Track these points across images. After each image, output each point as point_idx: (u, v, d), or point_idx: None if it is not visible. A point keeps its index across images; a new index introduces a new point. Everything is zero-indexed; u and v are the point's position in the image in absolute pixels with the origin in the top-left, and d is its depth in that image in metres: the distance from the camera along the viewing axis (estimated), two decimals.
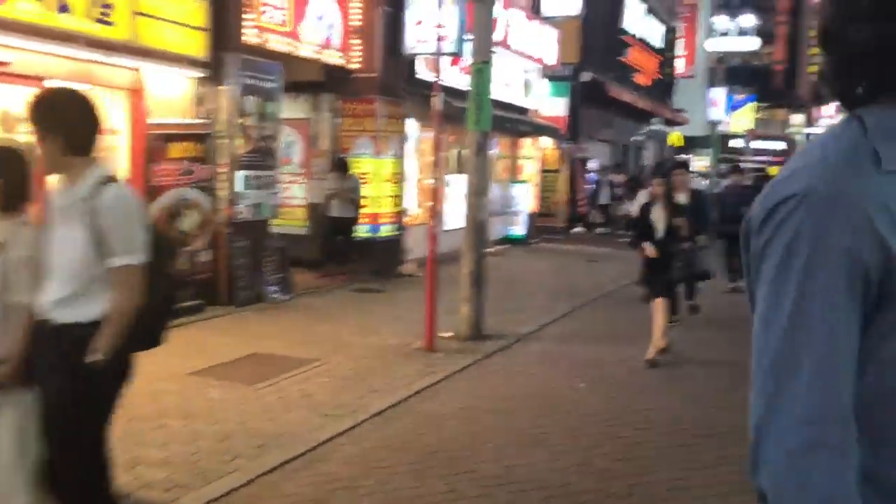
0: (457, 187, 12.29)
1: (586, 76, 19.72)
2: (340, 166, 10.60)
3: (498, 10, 14.32)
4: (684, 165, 10.06)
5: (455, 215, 11.22)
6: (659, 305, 6.84)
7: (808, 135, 62.10)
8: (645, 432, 5.06)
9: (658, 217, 6.94)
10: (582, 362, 6.88)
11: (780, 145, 51.61)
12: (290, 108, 10.52)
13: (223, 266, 8.54)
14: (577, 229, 19.63)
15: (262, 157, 9.04)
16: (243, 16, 8.85)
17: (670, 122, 30.60)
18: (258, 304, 8.73)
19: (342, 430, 4.82)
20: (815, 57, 55.24)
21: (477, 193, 7.73)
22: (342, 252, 10.67)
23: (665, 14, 28.72)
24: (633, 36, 24.40)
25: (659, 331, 6.81)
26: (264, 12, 9.20)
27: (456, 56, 11.58)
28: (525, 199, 16.53)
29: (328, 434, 4.74)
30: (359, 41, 11.01)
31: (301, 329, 7.74)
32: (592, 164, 21.62)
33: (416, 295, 8.33)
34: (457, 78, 12.46)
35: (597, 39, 21.47)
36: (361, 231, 10.96)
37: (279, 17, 9.51)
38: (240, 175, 8.70)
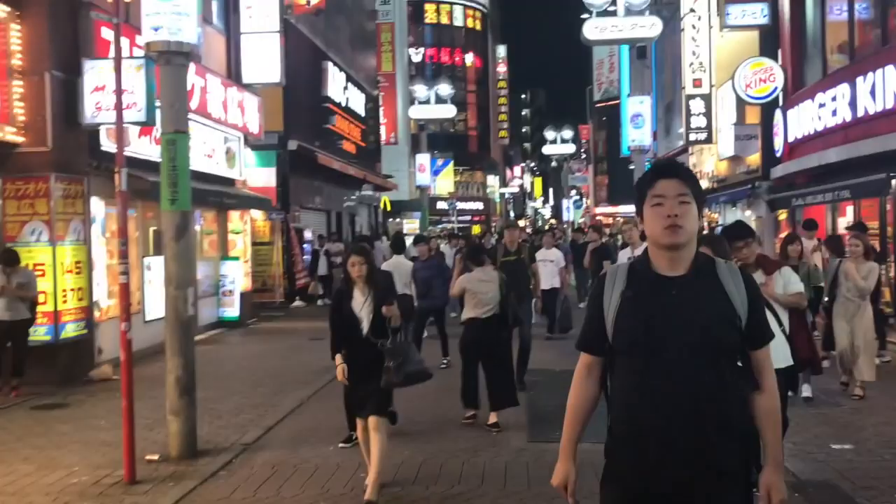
0: (158, 271, 10.83)
1: (293, 145, 19.10)
2: (7, 259, 8.78)
3: (193, 76, 13.23)
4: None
5: (160, 302, 9.78)
6: (370, 428, 5.24)
7: (502, 194, 67.39)
8: None
9: (360, 305, 5.35)
10: (323, 473, 5.94)
11: (479, 205, 55.38)
12: None
13: None
14: (297, 303, 18.71)
15: None
16: None
17: (380, 188, 31.00)
18: None
19: None
20: (504, 123, 60.39)
21: (179, 286, 6.51)
22: (15, 362, 8.79)
23: (366, 83, 29.21)
24: (338, 104, 24.35)
25: (375, 469, 5.13)
26: None
27: (146, 126, 10.27)
28: (237, 276, 15.29)
29: None
30: (22, 110, 9.33)
31: None
32: (307, 234, 20.91)
33: (114, 405, 6.92)
34: (150, 149, 11.13)
35: (302, 107, 21.02)
36: (39, 334, 9.15)
37: None
38: None
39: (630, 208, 35.93)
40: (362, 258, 5.39)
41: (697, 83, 19.89)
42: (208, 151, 14.05)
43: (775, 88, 15.11)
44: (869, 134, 10.80)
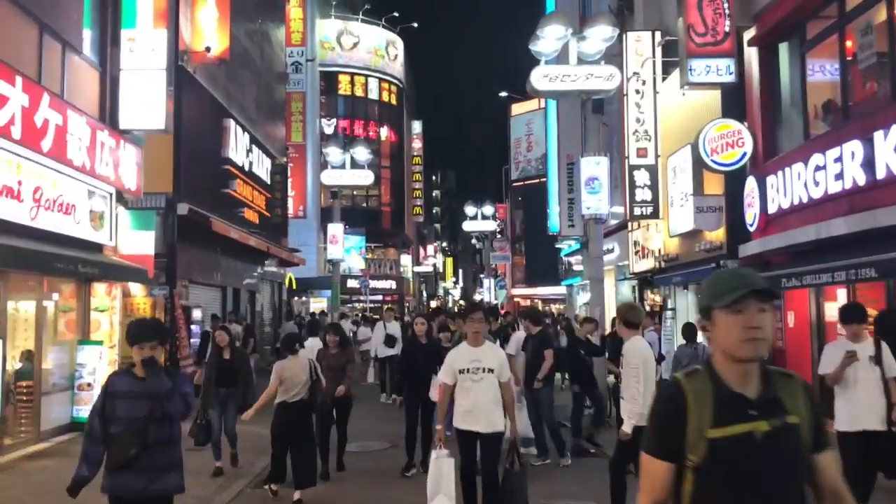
0: None
1: (183, 208, 16.17)
2: None
3: (47, 109, 10.33)
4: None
5: None
6: None
7: (415, 273, 65.01)
8: None
9: None
10: None
11: (392, 284, 52.80)
12: None
13: None
14: None
15: None
16: None
17: (285, 263, 28.07)
18: None
19: None
20: (418, 199, 58.51)
21: None
22: None
23: (272, 148, 26.59)
24: (241, 168, 21.58)
25: None
26: None
27: None
28: (99, 365, 12.07)
29: None
30: None
31: None
32: (197, 314, 17.77)
33: None
34: None
35: (197, 168, 18.17)
36: None
37: None
38: None
39: (549, 290, 33.66)
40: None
41: (642, 153, 18.11)
42: (65, 207, 11.04)
43: (744, 154, 13.29)
44: (887, 202, 8.87)
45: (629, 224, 19.97)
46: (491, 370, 6.26)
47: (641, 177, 18.03)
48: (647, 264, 19.28)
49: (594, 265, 12.91)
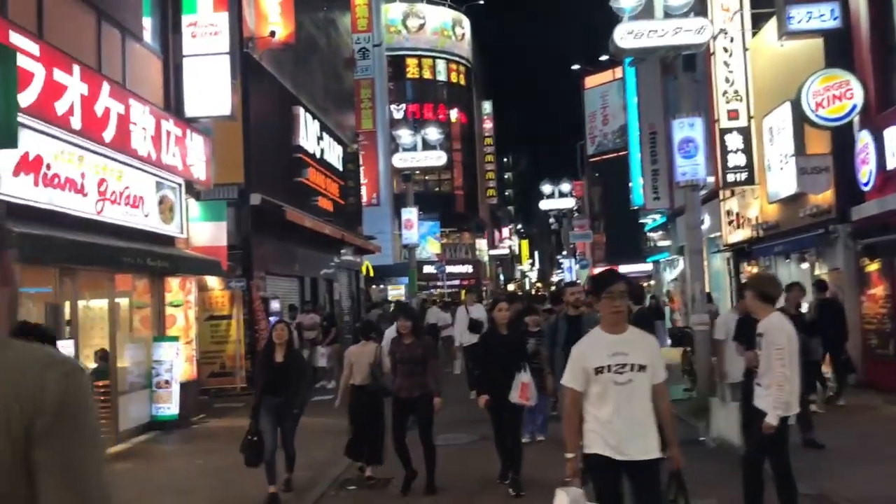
0: None
1: (256, 199, 15.81)
2: None
3: (107, 98, 9.94)
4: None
5: None
6: None
7: (491, 257, 64.26)
8: None
9: None
10: None
11: (469, 269, 52.17)
12: None
13: None
14: None
15: None
16: None
17: (361, 251, 27.67)
18: None
19: None
20: (491, 182, 57.66)
21: None
22: None
23: (343, 136, 26.15)
24: (312, 155, 21.16)
25: None
26: None
27: None
28: (176, 362, 11.73)
29: None
30: None
31: None
32: (275, 305, 17.43)
33: None
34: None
35: (268, 158, 17.81)
36: None
37: None
38: None
39: (631, 267, 32.09)
40: None
41: (733, 115, 16.85)
42: (132, 199, 10.67)
43: (854, 107, 12.04)
44: None
45: (720, 192, 18.72)
46: (642, 367, 4.18)
47: (734, 140, 16.80)
48: (742, 234, 18.02)
49: (692, 236, 11.89)
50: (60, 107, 8.73)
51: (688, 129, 11.55)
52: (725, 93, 16.87)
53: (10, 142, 6.65)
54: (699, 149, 11.50)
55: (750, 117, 16.66)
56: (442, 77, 49.23)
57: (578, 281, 44.98)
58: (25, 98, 8.08)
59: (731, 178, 16.87)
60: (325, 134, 22.74)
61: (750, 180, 16.66)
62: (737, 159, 16.71)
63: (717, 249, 20.84)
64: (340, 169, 24.86)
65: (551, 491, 4.17)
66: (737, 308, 8.59)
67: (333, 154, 23.96)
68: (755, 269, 18.18)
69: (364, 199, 32.11)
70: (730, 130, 16.78)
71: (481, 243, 56.08)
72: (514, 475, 7.28)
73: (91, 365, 10.85)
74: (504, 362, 7.26)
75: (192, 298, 12.92)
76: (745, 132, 16.69)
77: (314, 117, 21.63)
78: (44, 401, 1.39)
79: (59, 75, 8.71)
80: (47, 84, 8.46)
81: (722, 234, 19.59)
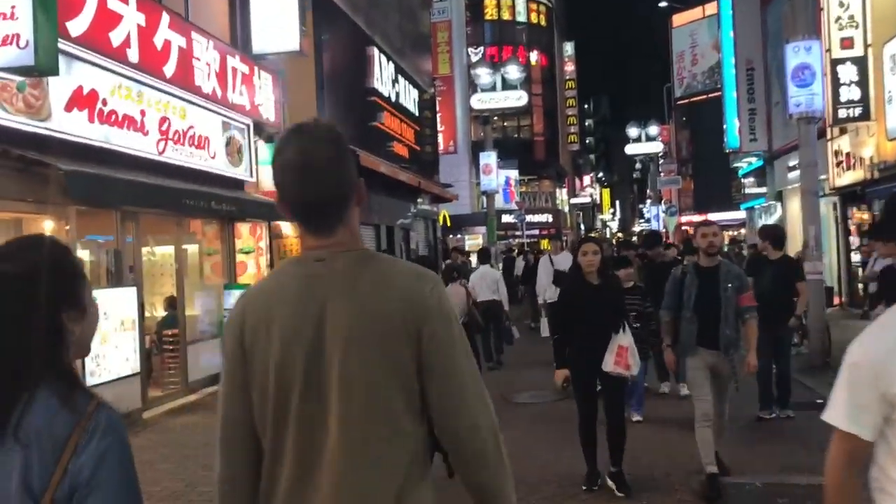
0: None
1: None
2: None
3: (167, 30, 9.31)
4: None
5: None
6: None
7: (571, 205, 62.66)
8: None
9: None
10: None
11: (548, 218, 50.90)
12: None
13: None
14: None
15: None
16: None
17: (438, 199, 26.93)
18: None
19: None
20: (573, 127, 55.88)
21: None
22: None
23: (420, 80, 25.23)
24: (387, 99, 20.37)
25: None
26: None
27: (34, 73, 6.32)
28: None
29: None
30: None
31: None
32: None
33: None
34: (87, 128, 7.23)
35: (341, 100, 17.13)
36: None
37: None
38: None
39: (722, 215, 30.15)
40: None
41: (847, 43, 15.23)
42: (196, 140, 10.10)
43: None
44: None
45: (829, 130, 17.11)
46: None
47: (847, 72, 15.21)
48: (853, 176, 16.43)
49: (808, 174, 10.64)
50: (116, 37, 8.14)
51: (804, 53, 10.22)
52: (839, 18, 15.23)
53: (51, 67, 6.06)
54: (816, 77, 10.19)
55: (867, 45, 15.01)
56: (522, 18, 47.46)
57: (663, 230, 41.83)
58: (76, 27, 7.49)
59: (843, 113, 15.32)
60: (400, 77, 21.88)
61: (865, 116, 15.09)
62: (850, 93, 15.14)
63: (823, 193, 19.23)
64: (416, 114, 24.01)
65: (655, 490, 3.26)
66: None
67: (409, 99, 23.11)
68: (866, 215, 16.63)
69: (441, 146, 31.28)
70: (843, 61, 15.18)
71: (561, 192, 54.61)
72: (614, 468, 5.77)
73: (161, 313, 10.47)
74: (595, 321, 5.68)
75: (264, 245, 12.41)
76: (860, 62, 15.08)
77: (389, 59, 20.79)
78: (428, 309, 1.62)
79: (113, 3, 8.10)
80: (100, 12, 7.86)
81: (829, 176, 17.99)
